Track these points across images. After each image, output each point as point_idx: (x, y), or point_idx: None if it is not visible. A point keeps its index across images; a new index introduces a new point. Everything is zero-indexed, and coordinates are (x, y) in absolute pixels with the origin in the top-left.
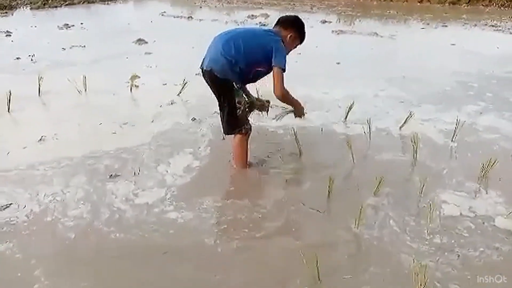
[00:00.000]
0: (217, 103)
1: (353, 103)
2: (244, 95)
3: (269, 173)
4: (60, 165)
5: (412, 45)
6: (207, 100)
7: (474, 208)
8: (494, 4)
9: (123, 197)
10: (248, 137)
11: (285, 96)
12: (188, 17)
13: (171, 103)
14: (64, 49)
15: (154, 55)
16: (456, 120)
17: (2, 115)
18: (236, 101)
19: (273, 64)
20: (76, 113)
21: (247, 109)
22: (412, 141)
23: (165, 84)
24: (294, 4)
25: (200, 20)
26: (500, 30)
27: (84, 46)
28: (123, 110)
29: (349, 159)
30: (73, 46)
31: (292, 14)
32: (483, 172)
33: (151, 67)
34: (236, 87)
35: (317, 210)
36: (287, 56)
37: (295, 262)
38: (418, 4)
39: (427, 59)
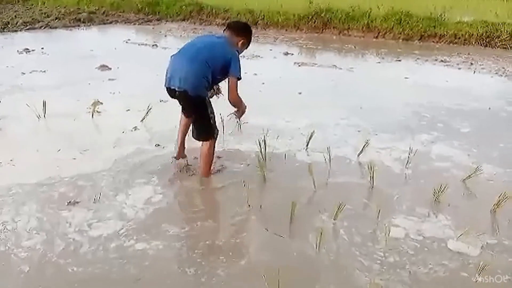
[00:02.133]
0: (184, 113)
1: (313, 132)
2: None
3: (233, 198)
4: (14, 191)
5: (369, 77)
6: (171, 126)
7: (424, 230)
8: (444, 41)
9: (80, 226)
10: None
11: (238, 102)
12: (153, 45)
13: (134, 129)
14: (24, 73)
15: (117, 81)
16: (409, 149)
17: None
18: (209, 111)
19: (230, 74)
20: (35, 138)
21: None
22: (369, 168)
23: (129, 110)
24: (257, 36)
25: (165, 48)
26: (449, 65)
27: (45, 71)
28: (84, 136)
29: (311, 185)
30: (33, 71)
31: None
32: (435, 197)
33: (114, 93)
34: (207, 100)
35: (280, 235)
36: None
37: (259, 284)
38: (374, 39)
39: (383, 91)
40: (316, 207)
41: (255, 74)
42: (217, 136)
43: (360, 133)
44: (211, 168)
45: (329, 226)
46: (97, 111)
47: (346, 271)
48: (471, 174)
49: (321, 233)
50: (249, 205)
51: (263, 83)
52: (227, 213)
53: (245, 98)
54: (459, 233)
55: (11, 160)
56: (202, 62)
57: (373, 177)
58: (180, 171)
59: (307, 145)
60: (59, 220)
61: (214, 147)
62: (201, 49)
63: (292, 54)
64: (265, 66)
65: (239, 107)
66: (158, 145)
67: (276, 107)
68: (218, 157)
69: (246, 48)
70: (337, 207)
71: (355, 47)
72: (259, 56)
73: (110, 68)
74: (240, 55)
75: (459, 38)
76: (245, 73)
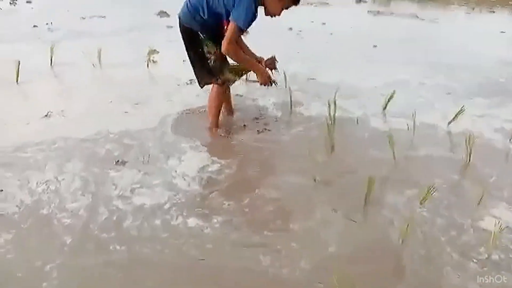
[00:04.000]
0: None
1: (394, 93)
2: (212, 46)
3: (298, 171)
4: (58, 145)
5: (457, 30)
6: None
7: None
8: None
9: (124, 191)
10: (226, 89)
11: (231, 53)
12: None
13: (190, 82)
14: (84, 18)
15: (175, 29)
16: (507, 120)
17: (10, 86)
18: (206, 51)
19: (230, 18)
20: (88, 88)
21: (222, 61)
22: (466, 141)
23: (185, 60)
24: None
25: None
26: None
27: (104, 16)
28: (138, 88)
29: (390, 159)
30: (93, 16)
31: None
32: None
33: (171, 41)
34: (202, 36)
35: (352, 220)
36: (275, 16)
37: (325, 280)
38: None
39: (475, 46)
40: (397, 186)
41: (324, 23)
42: (226, 84)
43: (450, 96)
44: (219, 113)
45: (415, 211)
46: (152, 61)
47: (437, 273)
48: None
49: (406, 223)
50: (314, 180)
51: (331, 34)
52: (289, 188)
53: (311, 50)
54: None
55: (62, 111)
56: None
57: (470, 152)
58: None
59: (384, 108)
60: (105, 181)
61: (222, 96)
62: None
63: (366, 1)
64: (334, 15)
65: (246, 65)
66: None
67: (347, 62)
68: (275, 120)
69: (291, 4)
70: (424, 187)
71: None
72: (327, 3)
73: (169, 15)
74: (269, 15)
75: None
76: (312, 22)
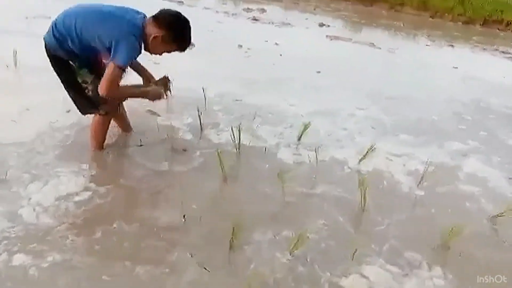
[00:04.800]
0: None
1: (308, 124)
2: (88, 74)
3: (171, 205)
4: None
5: (411, 62)
6: None
7: None
8: (511, 30)
9: None
10: (110, 119)
11: (112, 97)
12: (178, 2)
13: None
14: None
15: None
16: (427, 161)
17: None
18: (80, 80)
19: (110, 58)
20: None
21: None
22: (359, 183)
23: None
24: (297, 3)
25: (191, 6)
26: (511, 58)
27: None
28: (38, 92)
29: (279, 196)
30: (37, 16)
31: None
32: (442, 241)
33: None
34: (73, 65)
35: (206, 269)
36: (157, 54)
37: None
38: (430, 19)
39: (423, 80)
40: (272, 228)
41: (276, 44)
42: (109, 114)
43: (374, 131)
44: (103, 143)
45: (281, 262)
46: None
47: None
48: (504, 212)
49: (266, 275)
50: (184, 216)
51: (281, 55)
52: (153, 223)
53: (257, 69)
54: None
55: None
56: (69, 26)
57: (364, 196)
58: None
59: (299, 139)
60: None
61: (107, 125)
62: (86, 13)
63: (328, 25)
64: (292, 36)
65: (135, 96)
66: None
67: (283, 85)
68: (184, 150)
69: (177, 50)
70: (296, 238)
71: (403, 25)
72: (289, 24)
73: None
74: (148, 51)
75: None
76: (266, 41)
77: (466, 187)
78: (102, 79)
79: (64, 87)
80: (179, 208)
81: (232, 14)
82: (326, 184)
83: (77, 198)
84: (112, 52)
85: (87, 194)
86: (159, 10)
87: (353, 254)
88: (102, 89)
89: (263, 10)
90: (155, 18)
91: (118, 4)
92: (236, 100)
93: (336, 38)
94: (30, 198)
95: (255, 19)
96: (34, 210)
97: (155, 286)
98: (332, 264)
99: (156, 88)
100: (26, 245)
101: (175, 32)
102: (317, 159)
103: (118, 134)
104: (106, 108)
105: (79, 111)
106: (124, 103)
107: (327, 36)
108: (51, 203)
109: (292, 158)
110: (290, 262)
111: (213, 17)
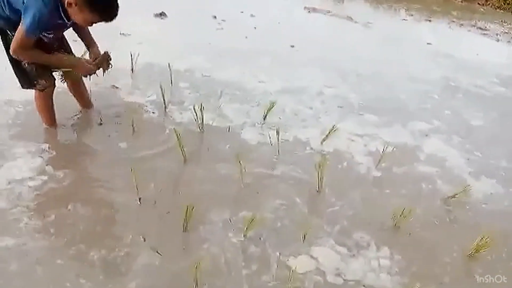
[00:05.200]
0: None
1: (273, 104)
2: None
3: (127, 188)
4: None
5: (385, 37)
6: None
7: (349, 272)
8: (491, 4)
9: None
10: (50, 94)
11: (21, 57)
12: None
13: None
14: None
15: None
16: (387, 142)
17: None
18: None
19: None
20: None
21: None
22: (316, 166)
23: None
24: None
25: None
26: (487, 34)
27: None
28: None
29: (237, 177)
30: None
31: None
32: (394, 222)
33: None
34: (10, 35)
35: (157, 252)
36: (83, 25)
37: None
38: None
39: (395, 56)
40: (228, 210)
41: (252, 15)
42: (47, 89)
43: (340, 110)
44: (52, 117)
45: (233, 242)
46: None
47: None
48: (457, 193)
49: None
50: (139, 199)
51: (255, 28)
52: (108, 205)
53: (228, 42)
54: (405, 286)
55: None
56: None
57: (321, 178)
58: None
59: (264, 119)
60: None
61: (47, 100)
62: None
63: None
64: (269, 7)
65: (45, 62)
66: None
67: (255, 61)
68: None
69: (99, 21)
70: (249, 220)
71: None
72: None
73: None
74: (80, 24)
75: (509, 3)
76: (241, 12)
77: (424, 168)
78: (13, 40)
79: (8, 59)
80: (135, 190)
81: None
82: (286, 165)
83: (30, 181)
84: (22, 16)
85: (41, 176)
86: None
87: (304, 235)
88: (11, 48)
89: None
90: None
91: None
92: (204, 75)
93: (314, 10)
94: None
95: None
96: None
97: (108, 270)
98: (283, 245)
99: (82, 62)
100: None
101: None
102: (279, 139)
103: (79, 110)
104: (42, 84)
105: (20, 84)
106: (84, 78)
107: (305, 7)
108: (4, 186)
109: (256, 138)
110: (242, 243)
111: None
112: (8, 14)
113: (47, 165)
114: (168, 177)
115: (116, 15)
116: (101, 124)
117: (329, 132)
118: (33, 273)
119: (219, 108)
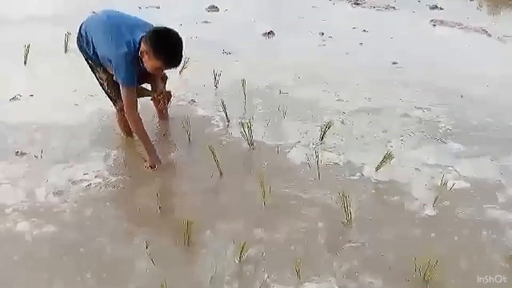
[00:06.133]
0: None
1: (329, 124)
2: (102, 74)
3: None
4: None
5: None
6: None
7: None
8: None
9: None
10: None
11: (131, 123)
12: None
13: None
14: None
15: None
16: (459, 176)
17: None
18: (97, 76)
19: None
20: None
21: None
22: (343, 195)
23: None
24: None
25: None
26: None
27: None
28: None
29: (259, 197)
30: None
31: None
32: (423, 273)
33: None
34: (90, 62)
35: (152, 261)
36: (154, 72)
37: None
38: None
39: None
40: (238, 229)
41: (364, 30)
42: (119, 108)
43: (420, 135)
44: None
45: (231, 264)
46: None
47: None
48: None
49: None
50: (159, 207)
51: (361, 44)
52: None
53: (324, 60)
54: None
55: (30, 96)
56: (88, 32)
57: (348, 207)
58: None
59: (321, 139)
60: None
61: (124, 119)
62: (111, 18)
63: (442, 8)
64: (388, 21)
65: (141, 139)
66: None
67: (345, 78)
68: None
69: (164, 68)
70: (241, 246)
71: None
72: (394, 7)
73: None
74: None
75: None
76: (354, 28)
77: (497, 212)
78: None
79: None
80: (155, 199)
81: None
82: (320, 189)
83: (85, 182)
84: (117, 78)
85: (96, 179)
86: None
87: (298, 269)
88: (126, 112)
89: None
90: (145, 34)
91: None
92: (282, 93)
93: (442, 23)
94: (47, 180)
95: (356, 3)
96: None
97: (108, 271)
98: (274, 273)
99: (156, 157)
100: (28, 217)
101: (155, 46)
102: (320, 161)
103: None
104: (120, 105)
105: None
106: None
107: (431, 20)
108: (62, 183)
109: (300, 159)
110: (236, 265)
111: (309, 1)
112: (91, 54)
113: (106, 170)
114: (201, 189)
115: (179, 62)
116: (164, 135)
117: (384, 159)
118: (59, 261)
119: (277, 126)
